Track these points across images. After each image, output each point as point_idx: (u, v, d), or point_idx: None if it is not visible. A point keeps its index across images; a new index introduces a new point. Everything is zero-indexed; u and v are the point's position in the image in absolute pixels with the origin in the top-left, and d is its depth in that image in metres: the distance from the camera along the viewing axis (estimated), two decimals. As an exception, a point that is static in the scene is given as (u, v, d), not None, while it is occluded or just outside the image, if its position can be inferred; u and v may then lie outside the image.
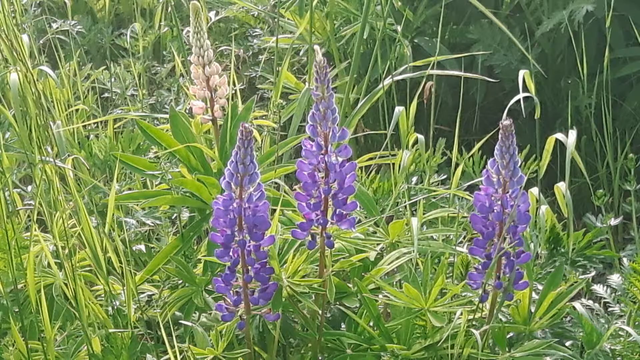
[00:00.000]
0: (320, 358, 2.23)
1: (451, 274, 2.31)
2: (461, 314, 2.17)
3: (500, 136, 2.08)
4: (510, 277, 2.16)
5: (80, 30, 3.07)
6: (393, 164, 2.55)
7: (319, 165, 2.08)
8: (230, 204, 2.04)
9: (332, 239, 2.15)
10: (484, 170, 2.14)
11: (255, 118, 2.54)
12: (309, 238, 2.14)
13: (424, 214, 2.37)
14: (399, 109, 2.54)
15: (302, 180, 2.10)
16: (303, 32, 2.94)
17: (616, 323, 2.24)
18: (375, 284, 2.24)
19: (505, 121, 2.07)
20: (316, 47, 2.36)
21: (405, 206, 2.49)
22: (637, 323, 2.26)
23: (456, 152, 2.54)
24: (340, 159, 2.08)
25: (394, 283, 2.29)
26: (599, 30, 2.94)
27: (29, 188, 2.57)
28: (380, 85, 2.63)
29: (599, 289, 2.35)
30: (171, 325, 2.24)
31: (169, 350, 2.14)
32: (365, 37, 2.88)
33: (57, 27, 2.72)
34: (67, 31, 2.67)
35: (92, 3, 3.29)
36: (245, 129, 2.00)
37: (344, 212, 2.12)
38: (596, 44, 2.90)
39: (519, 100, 2.77)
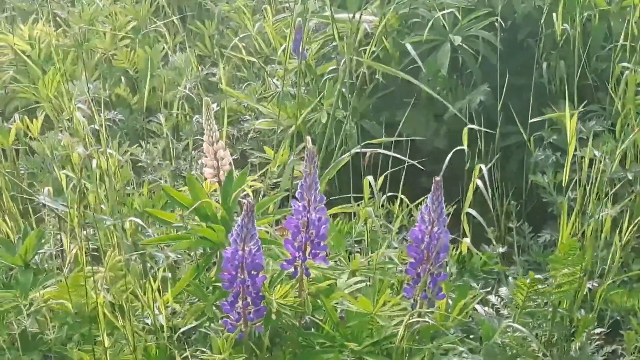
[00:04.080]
0: (297, 353, 2.19)
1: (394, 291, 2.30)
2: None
3: (432, 189, 2.08)
4: (433, 291, 2.17)
5: (121, 118, 3.08)
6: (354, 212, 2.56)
7: (303, 220, 2.08)
8: (236, 254, 2.03)
9: (309, 270, 2.13)
10: (420, 212, 2.14)
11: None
12: (292, 269, 2.13)
13: (373, 251, 2.38)
14: (369, 179, 2.57)
15: (290, 230, 2.10)
16: (283, 118, 2.97)
17: (505, 322, 2.25)
18: (338, 300, 2.19)
19: (437, 177, 2.09)
20: (308, 137, 2.36)
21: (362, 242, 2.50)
22: (519, 323, 2.25)
23: (397, 206, 2.56)
24: (318, 216, 2.08)
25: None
26: (489, 113, 2.98)
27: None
28: (343, 157, 2.65)
29: (492, 298, 2.36)
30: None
31: (187, 353, 2.14)
32: (324, 121, 2.93)
33: (106, 116, 2.76)
34: (112, 119, 2.70)
35: (129, 99, 3.31)
36: (249, 204, 2.00)
37: (319, 252, 2.11)
38: (487, 123, 2.96)
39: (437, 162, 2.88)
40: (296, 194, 2.10)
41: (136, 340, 2.21)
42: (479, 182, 2.57)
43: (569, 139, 2.55)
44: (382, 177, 2.61)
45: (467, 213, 2.58)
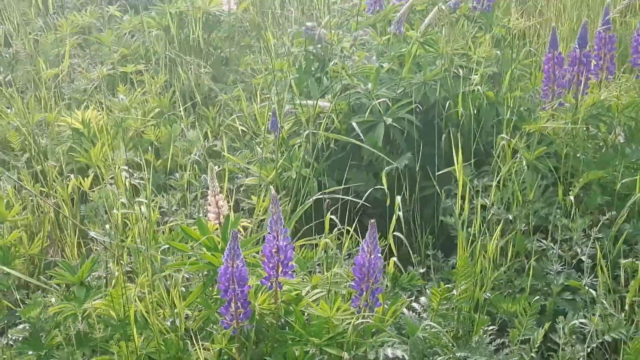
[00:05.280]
0: (275, 345, 2.19)
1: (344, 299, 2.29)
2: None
3: (369, 228, 2.12)
4: (373, 300, 2.20)
5: (148, 177, 3.08)
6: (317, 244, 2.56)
7: (274, 247, 2.11)
8: (227, 269, 2.06)
9: (281, 284, 2.16)
10: (360, 246, 2.16)
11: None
12: (269, 284, 2.15)
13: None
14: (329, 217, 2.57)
15: (265, 254, 2.13)
16: (264, 176, 3.00)
17: (424, 322, 2.27)
18: (304, 306, 2.21)
19: (372, 220, 2.13)
20: (272, 187, 2.39)
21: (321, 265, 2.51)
22: (435, 322, 2.28)
23: (346, 238, 2.55)
24: (285, 243, 2.12)
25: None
26: (412, 173, 2.99)
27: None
28: (306, 203, 2.67)
29: (415, 305, 2.36)
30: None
31: (197, 345, 2.17)
32: (293, 177, 2.94)
33: (137, 175, 2.74)
34: (145, 176, 2.69)
35: (154, 162, 3.29)
36: (234, 233, 2.03)
37: (287, 271, 2.13)
38: (410, 180, 2.97)
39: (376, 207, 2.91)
40: (267, 228, 2.11)
41: (160, 336, 2.23)
42: (400, 214, 2.55)
43: (459, 190, 2.59)
44: (337, 216, 2.61)
45: (397, 244, 2.58)
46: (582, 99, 3.00)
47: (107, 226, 2.66)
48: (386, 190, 2.70)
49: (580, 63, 3.00)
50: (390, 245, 2.54)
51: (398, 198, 2.57)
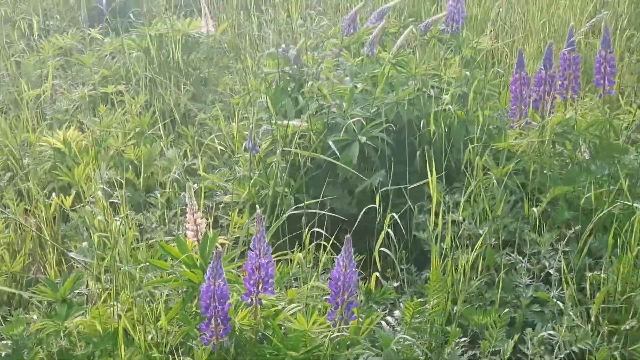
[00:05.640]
0: None
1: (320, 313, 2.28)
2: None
3: (344, 243, 2.13)
4: (348, 314, 2.20)
5: (128, 195, 3.06)
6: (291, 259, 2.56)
7: (256, 264, 2.11)
8: (209, 288, 2.06)
9: (261, 300, 2.16)
10: (337, 259, 2.17)
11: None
12: (249, 300, 2.15)
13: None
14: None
15: (247, 271, 2.12)
16: (242, 194, 2.99)
17: (398, 335, 2.27)
18: (282, 320, 2.20)
19: (348, 235, 2.13)
20: (258, 207, 2.37)
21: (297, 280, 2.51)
22: (408, 334, 2.28)
23: (322, 252, 2.55)
24: (266, 261, 2.12)
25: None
26: (387, 191, 2.94)
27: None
28: (281, 218, 2.67)
29: (389, 318, 2.37)
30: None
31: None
32: (270, 194, 2.93)
33: (117, 194, 2.73)
34: (122, 195, 2.67)
35: (135, 181, 3.28)
36: (217, 252, 2.03)
37: (267, 287, 2.12)
38: (384, 196, 2.95)
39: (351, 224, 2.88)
40: (250, 246, 2.11)
41: (143, 352, 2.21)
42: (390, 231, 2.60)
43: (433, 205, 2.60)
44: (314, 231, 2.61)
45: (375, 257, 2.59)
46: (549, 118, 3.02)
47: (84, 244, 2.64)
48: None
49: (546, 83, 3.03)
50: (368, 259, 2.55)
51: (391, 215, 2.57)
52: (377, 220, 2.77)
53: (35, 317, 2.37)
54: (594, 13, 4.39)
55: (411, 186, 2.91)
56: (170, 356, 2.22)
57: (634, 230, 2.54)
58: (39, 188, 3.24)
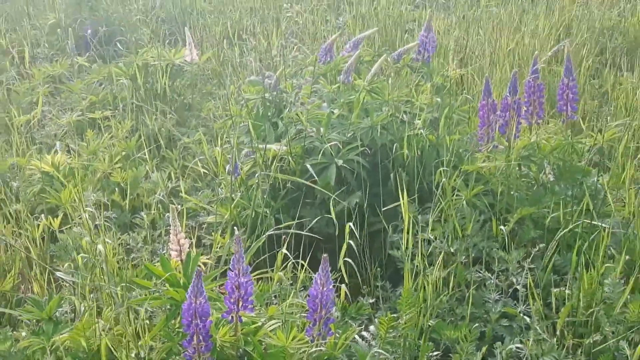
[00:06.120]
0: None
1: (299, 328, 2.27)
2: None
3: (321, 262, 2.14)
4: (325, 330, 2.19)
5: (114, 216, 3.04)
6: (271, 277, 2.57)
7: (236, 283, 2.10)
8: (191, 305, 2.05)
9: (241, 317, 2.15)
10: (315, 278, 2.17)
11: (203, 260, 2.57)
12: (230, 317, 2.14)
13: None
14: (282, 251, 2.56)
15: (227, 290, 2.11)
16: (224, 215, 2.98)
17: (373, 349, 2.27)
18: (262, 336, 2.18)
19: (325, 255, 2.14)
20: (235, 229, 2.36)
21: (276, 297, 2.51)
22: (382, 349, 2.28)
23: (301, 271, 2.55)
24: (245, 280, 2.11)
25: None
26: (361, 210, 2.97)
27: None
28: (261, 238, 2.66)
29: (365, 333, 2.37)
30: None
31: None
32: (252, 215, 2.92)
33: (104, 215, 2.72)
34: (108, 216, 2.65)
35: (121, 202, 3.26)
36: (198, 272, 2.03)
37: (247, 305, 2.12)
38: (360, 216, 2.95)
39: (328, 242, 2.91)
40: (230, 266, 2.11)
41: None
42: (351, 242, 2.58)
43: (405, 225, 2.61)
44: (292, 250, 2.60)
45: (348, 275, 2.58)
46: (515, 142, 3.04)
47: (67, 264, 2.63)
48: (337, 224, 2.70)
49: (512, 109, 3.05)
50: (342, 275, 2.54)
51: (349, 225, 2.57)
52: (353, 240, 2.75)
53: (23, 334, 2.35)
54: (557, 42, 4.45)
55: (385, 208, 2.92)
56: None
57: (598, 248, 2.56)
58: (28, 210, 3.23)
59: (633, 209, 2.92)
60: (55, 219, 3.01)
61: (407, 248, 2.63)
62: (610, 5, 5.15)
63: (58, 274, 2.63)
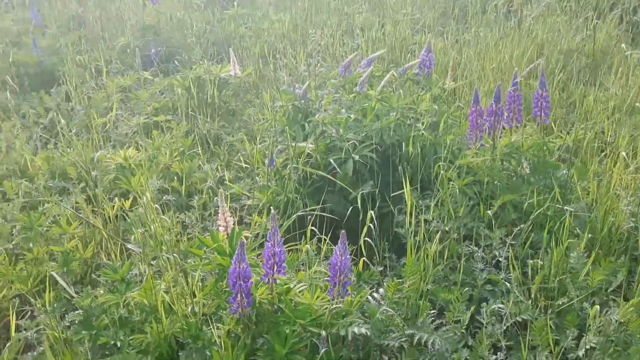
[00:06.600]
0: (271, 326, 2.16)
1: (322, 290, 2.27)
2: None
3: (340, 237, 2.14)
4: (343, 291, 2.19)
5: (173, 199, 2.96)
6: (299, 249, 2.56)
7: (271, 252, 2.11)
8: (236, 269, 2.06)
9: (276, 280, 2.15)
10: (334, 250, 2.17)
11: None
12: (267, 280, 2.14)
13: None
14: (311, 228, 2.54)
15: (264, 258, 2.12)
16: (261, 199, 2.98)
17: (382, 307, 2.27)
18: (292, 296, 2.19)
19: (343, 231, 2.15)
20: (271, 210, 2.35)
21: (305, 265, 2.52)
22: (389, 307, 2.28)
23: (324, 245, 2.55)
24: (279, 249, 2.11)
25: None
26: (373, 196, 2.93)
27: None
28: (293, 217, 2.67)
29: (376, 294, 2.37)
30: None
31: (212, 326, 2.16)
32: (284, 200, 2.91)
33: (165, 198, 2.68)
34: (168, 199, 2.60)
35: (179, 188, 3.16)
36: (241, 245, 2.03)
37: (281, 270, 2.13)
38: (372, 202, 2.89)
39: (347, 222, 2.88)
40: (267, 238, 2.12)
41: (183, 319, 2.22)
42: (371, 225, 2.58)
43: (408, 208, 2.60)
44: (317, 228, 2.62)
45: (362, 247, 2.58)
46: (498, 141, 3.03)
47: (133, 237, 2.63)
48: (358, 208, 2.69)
49: (496, 114, 3.03)
50: (358, 249, 2.53)
51: (371, 212, 2.55)
52: (362, 218, 2.75)
53: (101, 292, 2.38)
54: (532, 61, 4.41)
55: (392, 194, 2.91)
56: (204, 323, 2.23)
57: (564, 228, 2.55)
58: (105, 194, 3.25)
59: (595, 197, 2.89)
60: (126, 201, 3.02)
61: (410, 227, 2.62)
62: (575, 32, 5.08)
63: (128, 245, 2.66)
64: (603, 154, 3.42)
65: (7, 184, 3.31)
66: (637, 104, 3.85)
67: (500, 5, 5.73)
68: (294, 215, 2.67)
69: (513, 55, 4.44)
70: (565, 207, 2.67)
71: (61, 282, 2.40)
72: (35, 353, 2.31)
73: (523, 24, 5.14)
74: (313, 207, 2.79)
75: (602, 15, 5.33)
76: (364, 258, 2.54)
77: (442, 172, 2.86)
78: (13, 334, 2.33)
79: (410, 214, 2.63)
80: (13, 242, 2.84)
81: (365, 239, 2.58)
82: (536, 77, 4.11)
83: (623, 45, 4.66)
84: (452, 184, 2.88)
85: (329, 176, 2.98)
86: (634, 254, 2.66)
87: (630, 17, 5.25)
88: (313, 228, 2.57)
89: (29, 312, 2.53)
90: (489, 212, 2.76)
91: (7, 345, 2.34)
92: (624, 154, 3.13)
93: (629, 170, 3.12)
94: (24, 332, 2.37)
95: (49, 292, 2.38)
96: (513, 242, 2.60)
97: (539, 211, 2.67)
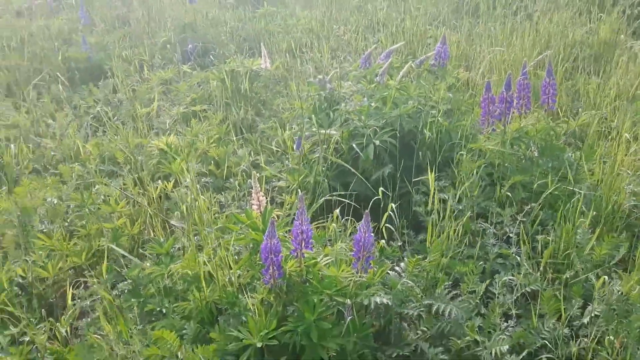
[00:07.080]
0: (300, 295, 2.14)
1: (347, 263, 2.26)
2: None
3: (364, 216, 2.09)
4: (366, 265, 2.15)
5: (211, 181, 2.95)
6: (326, 227, 2.55)
7: (299, 229, 2.08)
8: (267, 244, 2.05)
9: (304, 254, 2.13)
10: (358, 228, 2.13)
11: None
12: (296, 254, 2.12)
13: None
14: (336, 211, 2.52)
15: (293, 234, 2.10)
16: (291, 181, 2.97)
17: (402, 280, 2.26)
18: (319, 268, 2.17)
19: (367, 210, 2.10)
20: (299, 191, 2.34)
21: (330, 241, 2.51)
22: (409, 279, 2.27)
23: (348, 223, 2.54)
24: (307, 227, 2.08)
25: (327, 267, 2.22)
26: (393, 178, 2.90)
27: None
28: (320, 201, 2.65)
29: (397, 268, 2.35)
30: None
31: (246, 295, 2.17)
32: (312, 182, 2.89)
33: (203, 181, 2.68)
34: (206, 182, 2.61)
35: (216, 171, 3.15)
36: (272, 222, 2.01)
37: (308, 245, 2.10)
38: (392, 183, 2.89)
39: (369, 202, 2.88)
40: (295, 216, 2.11)
41: (222, 288, 2.22)
42: (391, 212, 2.56)
43: (431, 189, 2.58)
44: (342, 208, 2.60)
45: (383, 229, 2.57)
46: (508, 127, 2.98)
47: (177, 213, 2.62)
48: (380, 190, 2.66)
49: (506, 102, 2.98)
50: (379, 227, 2.52)
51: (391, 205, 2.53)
52: (383, 199, 2.74)
53: (148, 264, 2.40)
54: (540, 53, 4.33)
55: (413, 178, 2.87)
56: (240, 292, 2.23)
57: (572, 207, 2.51)
58: (149, 176, 3.27)
59: (600, 177, 2.84)
60: (168, 183, 3.04)
61: (430, 206, 2.59)
62: (580, 25, 4.97)
63: (171, 222, 2.66)
64: (610, 137, 3.34)
65: (62, 168, 3.35)
66: (638, 91, 3.76)
67: (510, 0, 5.62)
68: (322, 200, 2.64)
69: (522, 48, 4.36)
70: (575, 189, 2.62)
71: (119, 250, 2.41)
72: (89, 319, 2.34)
73: (531, 19, 5.04)
74: (340, 193, 2.76)
75: (605, 10, 5.20)
76: (384, 240, 2.50)
77: (459, 154, 2.81)
78: (69, 302, 2.37)
79: (433, 195, 2.60)
80: (68, 220, 2.87)
81: (387, 214, 2.55)
82: (543, 68, 4.03)
83: (622, 36, 4.55)
84: (468, 167, 2.84)
85: (347, 166, 2.95)
86: (634, 230, 2.62)
87: (632, 11, 5.12)
88: (337, 211, 2.54)
89: (83, 283, 2.56)
90: (505, 191, 2.72)
91: (65, 312, 2.37)
92: (627, 135, 3.07)
93: (630, 152, 3.05)
94: (79, 300, 2.41)
95: (105, 262, 2.40)
96: (523, 220, 2.57)
97: (549, 191, 2.63)
